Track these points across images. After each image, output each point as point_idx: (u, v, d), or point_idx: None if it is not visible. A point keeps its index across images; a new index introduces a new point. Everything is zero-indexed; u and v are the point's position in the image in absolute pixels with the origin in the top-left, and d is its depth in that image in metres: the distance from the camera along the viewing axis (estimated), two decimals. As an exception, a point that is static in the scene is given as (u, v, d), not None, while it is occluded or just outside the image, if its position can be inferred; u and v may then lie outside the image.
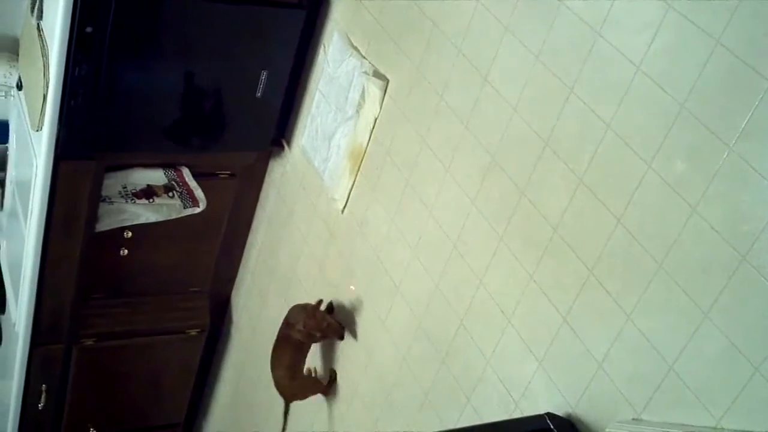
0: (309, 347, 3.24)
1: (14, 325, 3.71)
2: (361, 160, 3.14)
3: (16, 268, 3.63)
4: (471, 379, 2.61)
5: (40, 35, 3.08)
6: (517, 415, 2.41)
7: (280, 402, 3.50)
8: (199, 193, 3.60)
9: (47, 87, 3.01)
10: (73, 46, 2.92)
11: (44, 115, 3.05)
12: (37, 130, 3.14)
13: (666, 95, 1.97)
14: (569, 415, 2.24)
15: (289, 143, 3.67)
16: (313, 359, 3.37)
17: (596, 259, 2.17)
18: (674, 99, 1.95)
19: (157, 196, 3.53)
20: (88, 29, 2.91)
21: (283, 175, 3.75)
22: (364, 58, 3.10)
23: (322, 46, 3.39)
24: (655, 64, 2.00)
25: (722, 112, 1.86)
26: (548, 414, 2.26)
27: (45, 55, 3.03)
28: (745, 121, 1.80)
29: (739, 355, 1.82)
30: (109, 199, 3.46)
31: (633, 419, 2.06)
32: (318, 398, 3.41)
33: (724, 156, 1.84)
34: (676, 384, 1.96)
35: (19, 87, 3.44)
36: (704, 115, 1.89)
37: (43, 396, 3.88)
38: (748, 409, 1.81)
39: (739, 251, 1.82)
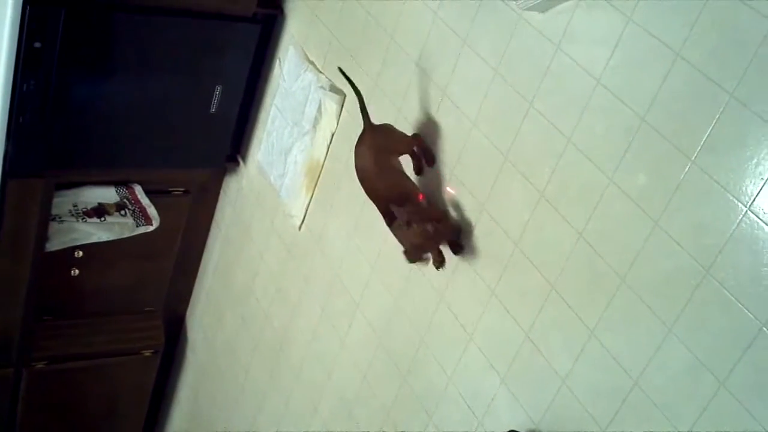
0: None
1: (-39, 348, 3.61)
2: (319, 176, 3.09)
3: (-38, 290, 3.53)
4: (433, 397, 2.57)
5: (-14, 50, 3.01)
6: (480, 432, 2.38)
7: (240, 423, 3.43)
8: (152, 210, 3.54)
9: (-6, 103, 2.93)
10: (21, 62, 2.85)
11: (-9, 132, 2.97)
12: (-16, 148, 3.06)
13: (627, 108, 1.96)
14: (533, 432, 2.22)
15: (244, 159, 3.61)
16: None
17: (558, 274, 2.15)
18: (635, 112, 1.94)
19: (109, 214, 3.46)
20: (37, 44, 2.85)
21: (238, 192, 3.69)
22: (321, 72, 3.06)
23: (278, 61, 3.34)
24: (615, 77, 2.00)
25: (683, 125, 1.85)
26: (511, 431, 2.24)
27: (-8, 71, 2.95)
28: (707, 134, 1.80)
29: (704, 370, 1.81)
30: (60, 218, 3.38)
31: (598, 436, 2.04)
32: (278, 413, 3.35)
33: (686, 169, 1.84)
34: (641, 399, 1.95)
35: (-35, 104, 3.35)
36: (665, 128, 1.88)
37: (-8, 421, 3.78)
38: (714, 424, 1.80)
39: (703, 265, 1.81)
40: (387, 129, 2.56)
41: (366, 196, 2.49)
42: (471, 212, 2.42)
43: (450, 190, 2.50)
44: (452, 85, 2.49)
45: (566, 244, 2.12)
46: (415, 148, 2.56)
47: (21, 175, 3.13)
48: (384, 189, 2.43)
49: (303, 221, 3.20)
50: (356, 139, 2.50)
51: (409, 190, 2.43)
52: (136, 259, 3.74)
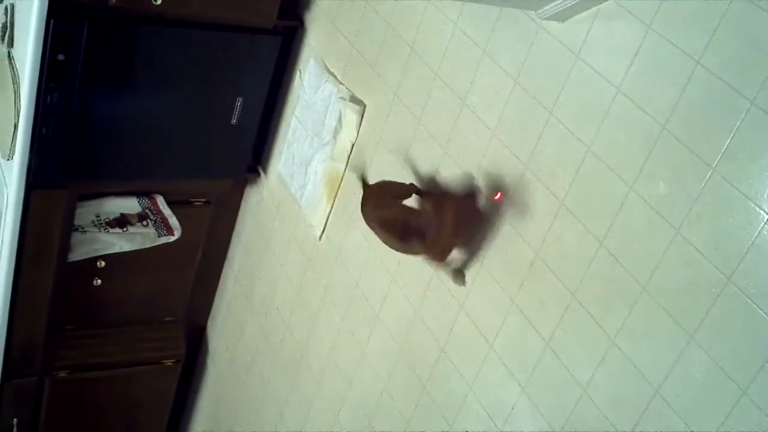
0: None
1: (-16, 358, 3.64)
2: (339, 186, 3.11)
3: (-14, 299, 3.56)
4: (453, 406, 2.57)
5: (11, 63, 3.04)
6: (501, 442, 2.38)
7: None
8: (173, 221, 3.56)
9: (18, 115, 2.96)
10: (44, 74, 2.88)
11: (15, 143, 3.00)
12: (8, 159, 3.09)
13: (647, 116, 1.96)
14: (554, 442, 2.21)
15: (265, 170, 3.63)
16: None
17: (579, 283, 2.15)
18: (655, 120, 1.94)
19: (131, 224, 3.48)
20: (60, 57, 2.88)
21: (259, 202, 3.71)
22: (341, 83, 3.08)
23: (298, 72, 3.37)
24: (636, 85, 2.00)
25: (704, 132, 1.85)
26: (533, 440, 2.24)
27: (16, 83, 2.98)
28: (728, 141, 1.79)
29: (726, 378, 1.80)
30: (82, 228, 3.40)
31: (619, 445, 2.03)
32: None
33: (707, 177, 1.84)
34: (662, 408, 1.94)
35: (-10, 116, 3.39)
36: (686, 136, 1.88)
37: (15, 430, 3.79)
38: (736, 433, 1.79)
39: (724, 273, 1.80)
40: (383, 184, 2.66)
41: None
42: (491, 220, 2.42)
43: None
44: (472, 94, 2.50)
45: (587, 253, 2.12)
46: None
47: (44, 186, 3.15)
48: (397, 233, 2.49)
49: (323, 231, 3.21)
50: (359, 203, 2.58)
51: (420, 223, 2.47)
52: (158, 270, 3.76)
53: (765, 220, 1.73)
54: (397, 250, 2.52)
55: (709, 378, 1.84)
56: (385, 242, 2.52)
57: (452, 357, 2.59)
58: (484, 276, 2.46)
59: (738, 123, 1.78)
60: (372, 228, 2.54)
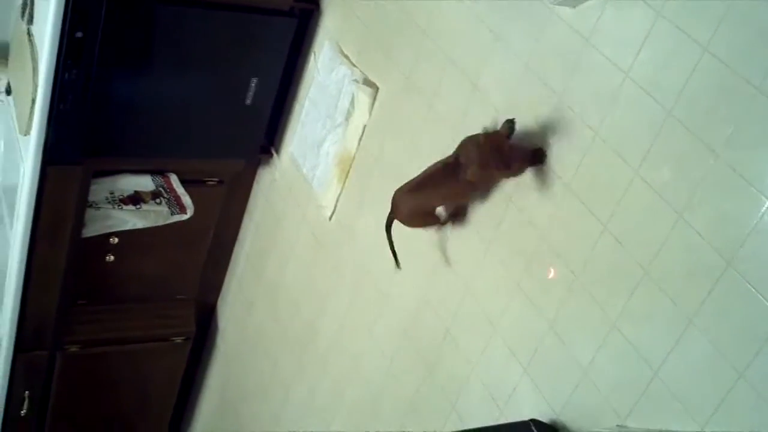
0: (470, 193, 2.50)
1: (-2, 330, 3.69)
2: (350, 168, 3.14)
3: (0, 273, 3.60)
4: (456, 387, 2.61)
5: (30, 39, 3.08)
6: (502, 421, 2.41)
7: (266, 413, 3.48)
8: (186, 200, 3.60)
9: (36, 91, 3.00)
10: (63, 51, 2.92)
11: (32, 119, 3.05)
12: (25, 135, 3.13)
13: (654, 102, 1.98)
14: (554, 422, 2.24)
15: (278, 151, 3.67)
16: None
17: (582, 266, 2.18)
18: (662, 106, 1.96)
19: (145, 202, 3.52)
20: (79, 34, 2.91)
21: (271, 183, 3.75)
22: (354, 66, 3.11)
23: (313, 54, 3.39)
24: (644, 71, 2.02)
25: (709, 119, 1.87)
26: (533, 420, 2.26)
27: (35, 60, 3.02)
28: (732, 128, 1.81)
29: (724, 361, 1.83)
30: (96, 204, 3.45)
31: (617, 426, 2.06)
32: (306, 403, 3.39)
33: (711, 163, 1.86)
34: (660, 390, 1.97)
35: (8, 92, 3.43)
36: (691, 122, 1.90)
37: (26, 403, 3.85)
38: (732, 415, 1.81)
39: (725, 257, 1.82)
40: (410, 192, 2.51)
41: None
42: (498, 203, 2.45)
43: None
44: (483, 78, 2.53)
45: (591, 236, 2.15)
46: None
47: (60, 162, 3.19)
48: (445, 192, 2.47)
49: (334, 212, 3.24)
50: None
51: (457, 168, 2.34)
52: (170, 247, 3.80)
53: (766, 206, 1.75)
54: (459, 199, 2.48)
55: (707, 361, 1.86)
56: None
57: (457, 338, 2.62)
58: (489, 259, 2.49)
59: (743, 110, 1.80)
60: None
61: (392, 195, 2.52)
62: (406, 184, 2.48)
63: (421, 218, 2.61)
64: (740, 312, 1.80)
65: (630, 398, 2.04)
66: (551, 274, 2.30)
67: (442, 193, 2.46)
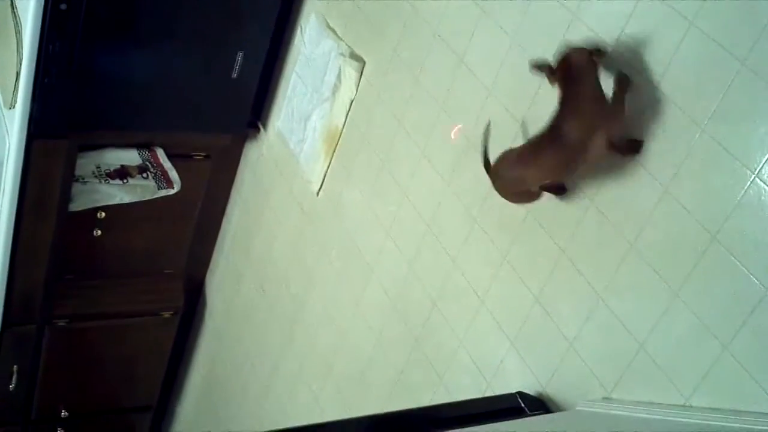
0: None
1: (-15, 305, 3.68)
2: (337, 142, 3.13)
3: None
4: (444, 359, 2.62)
5: (13, 12, 3.05)
6: (488, 394, 2.43)
7: (254, 385, 3.49)
8: (173, 174, 3.59)
9: (20, 64, 2.98)
10: (47, 24, 2.89)
11: (17, 92, 3.02)
12: (10, 108, 3.11)
13: (640, 76, 1.98)
14: (540, 394, 2.26)
15: (264, 125, 3.66)
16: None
17: (568, 240, 2.19)
18: (648, 79, 1.96)
19: (131, 176, 3.51)
20: (63, 6, 2.88)
21: (258, 158, 3.74)
22: (341, 39, 3.10)
23: (299, 28, 3.38)
24: (630, 44, 2.02)
25: (695, 92, 1.87)
26: (519, 393, 2.28)
27: (18, 32, 3.00)
28: (718, 102, 1.82)
29: (708, 334, 1.84)
30: (83, 179, 3.43)
31: (603, 398, 2.08)
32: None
33: (697, 136, 1.86)
34: (646, 363, 1.99)
35: (-8, 65, 3.40)
36: (677, 95, 1.91)
37: (14, 377, 3.85)
38: (716, 387, 1.83)
39: (710, 231, 1.84)
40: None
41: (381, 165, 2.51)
42: (485, 180, 2.44)
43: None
44: (470, 53, 2.52)
45: (577, 210, 2.16)
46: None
47: (45, 136, 3.17)
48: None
49: (321, 187, 3.24)
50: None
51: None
52: (157, 222, 3.79)
53: (751, 180, 1.76)
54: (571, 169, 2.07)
55: (692, 334, 1.88)
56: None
57: (444, 311, 2.63)
58: (477, 232, 2.50)
59: (729, 84, 1.80)
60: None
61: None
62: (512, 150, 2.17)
63: (526, 195, 2.25)
64: (725, 285, 1.81)
65: (616, 371, 2.06)
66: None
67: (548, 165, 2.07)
